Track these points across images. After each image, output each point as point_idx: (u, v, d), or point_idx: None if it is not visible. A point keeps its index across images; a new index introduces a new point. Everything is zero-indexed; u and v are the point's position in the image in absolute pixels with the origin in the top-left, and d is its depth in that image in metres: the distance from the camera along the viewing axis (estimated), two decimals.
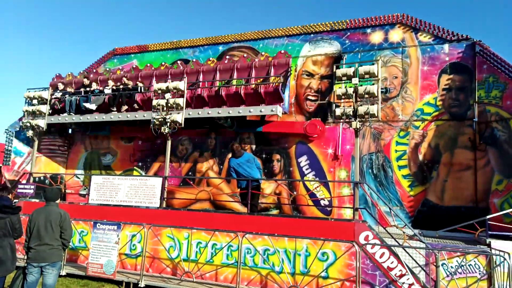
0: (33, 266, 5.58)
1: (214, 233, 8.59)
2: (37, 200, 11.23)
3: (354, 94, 8.72)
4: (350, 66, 9.08)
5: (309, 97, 12.16)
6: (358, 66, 8.89)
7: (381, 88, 10.31)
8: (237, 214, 9.45)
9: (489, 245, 7.79)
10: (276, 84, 10.50)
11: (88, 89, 12.69)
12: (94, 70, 14.40)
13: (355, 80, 8.76)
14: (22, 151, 14.07)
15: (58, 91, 12.94)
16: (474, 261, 7.42)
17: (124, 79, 12.36)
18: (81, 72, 14.19)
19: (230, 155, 10.62)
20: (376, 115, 8.55)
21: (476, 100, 10.41)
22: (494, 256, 7.30)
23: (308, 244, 7.99)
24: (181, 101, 10.39)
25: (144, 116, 11.34)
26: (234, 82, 11.21)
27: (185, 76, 11.51)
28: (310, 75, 12.29)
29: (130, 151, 13.86)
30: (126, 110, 11.89)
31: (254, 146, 12.34)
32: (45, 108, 12.18)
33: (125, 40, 66.66)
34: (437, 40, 11.05)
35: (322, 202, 11.32)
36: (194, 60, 12.55)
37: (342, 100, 9.05)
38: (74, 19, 56.25)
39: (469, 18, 41.88)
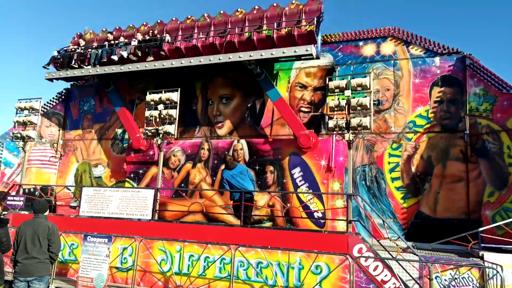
0: (19, 281, 5.46)
1: (206, 246, 8.48)
2: (26, 212, 11.05)
3: (346, 106, 8.77)
4: (343, 78, 9.15)
5: (302, 109, 12.19)
6: (350, 78, 8.96)
7: (374, 100, 10.39)
8: (230, 227, 9.37)
9: (482, 258, 7.78)
10: (310, 26, 10.47)
11: (112, 42, 12.72)
12: (117, 27, 14.09)
13: (347, 92, 8.82)
14: (12, 162, 13.91)
15: (81, 47, 13.11)
16: (468, 274, 7.39)
17: (151, 31, 12.43)
18: (104, 29, 13.99)
19: (223, 167, 10.56)
20: (369, 127, 8.59)
21: (467, 112, 10.51)
22: (487, 269, 7.29)
23: (302, 257, 7.92)
24: (174, 113, 10.35)
25: (172, 64, 11.53)
26: (265, 28, 11.16)
27: (212, 29, 11.74)
28: (303, 87, 12.34)
29: (122, 162, 13.73)
30: (152, 60, 11.95)
31: (247, 157, 12.29)
32: (36, 119, 12.07)
33: None
34: (428, 53, 11.19)
35: (315, 214, 11.28)
36: (221, 12, 12.27)
37: (335, 112, 9.10)
38: (67, 28, 56.25)
39: (459, 31, 42.63)
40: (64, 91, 15.52)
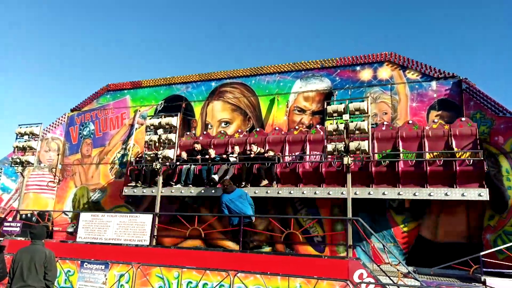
0: None
1: (205, 272, 8.36)
2: (23, 239, 10.92)
3: (345, 130, 8.81)
4: (341, 103, 9.23)
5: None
6: (348, 102, 9.04)
7: (372, 124, 10.44)
8: (229, 252, 9.25)
9: (484, 283, 7.68)
10: (477, 161, 9.22)
11: (206, 157, 11.20)
12: (205, 132, 12.99)
13: (345, 117, 8.87)
14: (9, 187, 13.84)
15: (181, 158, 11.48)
16: None
17: (253, 146, 11.02)
18: (187, 133, 13.21)
19: (222, 191, 10.51)
20: (367, 150, 8.61)
21: None
22: None
23: (302, 283, 7.79)
24: (174, 137, 10.39)
25: (290, 193, 10.32)
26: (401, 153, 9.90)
27: (307, 144, 10.78)
28: (302, 110, 12.45)
29: (121, 186, 13.67)
30: (266, 185, 10.52)
31: None
32: (35, 144, 12.09)
33: (118, 76, 67.49)
34: (424, 78, 11.34)
35: (315, 239, 11.16)
36: (318, 126, 11.43)
37: (333, 136, 9.14)
38: (67, 56, 57.11)
39: (455, 55, 43.37)
40: (64, 116, 15.64)
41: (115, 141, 14.78)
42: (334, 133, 8.92)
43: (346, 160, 8.70)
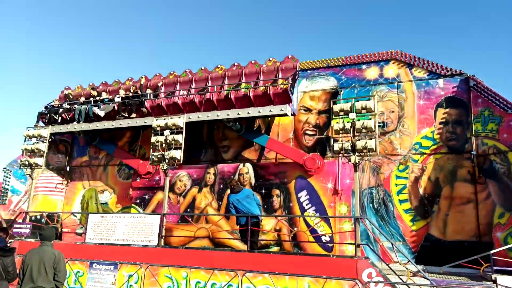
0: None
1: (213, 272, 8.37)
2: (32, 240, 11.02)
3: (351, 129, 8.78)
4: (347, 101, 9.20)
5: (307, 132, 12.23)
6: (354, 101, 9.00)
7: (378, 123, 10.39)
8: (237, 252, 9.25)
9: (495, 281, 7.60)
10: (285, 85, 10.82)
11: (97, 98, 13.16)
12: (104, 81, 14.64)
13: (352, 115, 8.85)
14: (19, 190, 13.97)
15: (67, 101, 13.61)
16: None
17: (133, 87, 12.89)
18: (90, 84, 14.57)
19: (229, 191, 10.53)
20: (374, 149, 8.58)
21: (473, 133, 10.47)
22: None
23: (310, 282, 7.77)
24: (180, 138, 10.42)
25: (154, 121, 11.31)
26: (243, 86, 11.58)
27: (193, 86, 12.19)
28: (308, 110, 12.42)
29: (128, 187, 13.74)
30: (135, 117, 12.31)
31: (253, 181, 12.25)
32: (44, 146, 12.20)
33: (124, 78, 67.72)
34: (431, 75, 11.26)
35: (323, 238, 11.12)
36: (202, 68, 12.78)
37: (340, 135, 9.10)
38: (74, 58, 57.56)
39: (462, 52, 43.02)
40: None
41: (122, 143, 14.83)
42: (341, 131, 8.89)
43: (353, 158, 8.66)
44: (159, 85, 12.85)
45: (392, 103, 11.50)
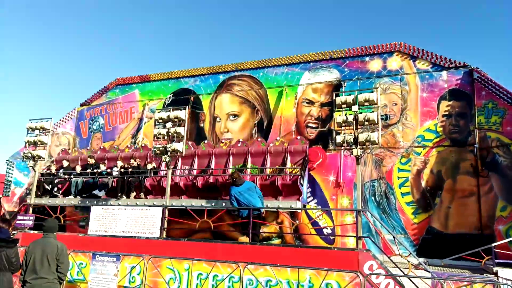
0: None
1: (215, 264, 8.40)
2: (35, 232, 11.08)
3: (354, 122, 8.74)
4: (350, 94, 9.15)
5: (310, 125, 12.20)
6: (357, 93, 8.95)
7: (381, 115, 10.35)
8: (239, 244, 9.28)
9: (496, 274, 7.62)
10: (294, 176, 10.09)
11: (95, 170, 12.21)
12: (102, 147, 14.09)
13: (355, 108, 8.80)
14: (22, 182, 14.02)
15: (63, 168, 12.82)
16: None
17: (132, 160, 11.95)
18: (88, 148, 14.31)
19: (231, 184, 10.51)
20: (377, 142, 8.54)
21: (476, 126, 10.41)
22: (501, 286, 7.11)
23: (311, 275, 7.79)
24: (182, 130, 10.40)
25: (154, 204, 10.60)
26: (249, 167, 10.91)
27: (196, 158, 11.63)
28: (310, 102, 12.37)
29: None
30: (135, 197, 11.44)
31: None
32: (46, 139, 12.21)
33: (126, 71, 67.75)
34: (435, 67, 11.18)
35: (324, 231, 11.15)
36: (206, 142, 12.45)
37: (342, 128, 9.07)
38: (76, 51, 57.53)
39: (466, 44, 42.71)
40: (73, 110, 15.77)
41: (124, 135, 14.89)
42: (344, 124, 8.85)
43: (356, 151, 8.64)
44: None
45: (395, 95, 11.44)
